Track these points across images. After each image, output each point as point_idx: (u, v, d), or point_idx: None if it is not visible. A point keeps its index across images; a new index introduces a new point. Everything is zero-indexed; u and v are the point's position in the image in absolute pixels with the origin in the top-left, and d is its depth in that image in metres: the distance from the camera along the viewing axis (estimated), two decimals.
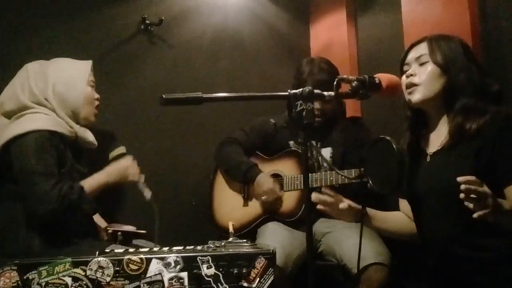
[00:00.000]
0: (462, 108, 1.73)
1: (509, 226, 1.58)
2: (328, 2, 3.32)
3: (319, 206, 1.90)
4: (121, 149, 2.38)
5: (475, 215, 1.43)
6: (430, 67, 1.79)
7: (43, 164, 2.06)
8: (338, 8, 3.22)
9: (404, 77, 1.85)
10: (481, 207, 1.43)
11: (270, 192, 2.60)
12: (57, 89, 2.22)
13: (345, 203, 1.88)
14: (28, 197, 2.05)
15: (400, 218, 2.00)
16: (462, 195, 1.42)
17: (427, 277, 1.85)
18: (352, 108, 3.05)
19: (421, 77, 1.80)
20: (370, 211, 1.94)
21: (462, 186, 1.41)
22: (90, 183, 2.20)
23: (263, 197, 2.62)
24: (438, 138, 1.83)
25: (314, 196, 1.90)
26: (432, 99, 1.80)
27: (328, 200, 1.88)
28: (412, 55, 1.86)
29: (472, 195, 1.42)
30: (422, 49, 1.83)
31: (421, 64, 1.82)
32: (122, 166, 2.31)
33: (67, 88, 2.24)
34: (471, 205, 1.43)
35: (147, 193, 2.34)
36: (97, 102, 2.37)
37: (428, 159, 1.84)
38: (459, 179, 1.42)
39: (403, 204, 1.99)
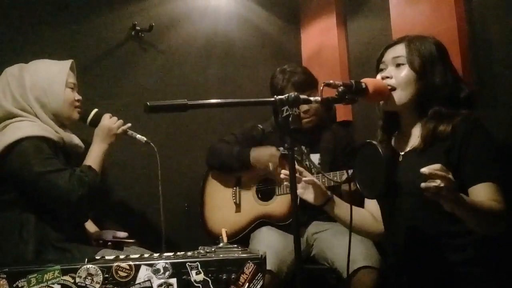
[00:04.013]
0: (434, 114, 1.73)
1: (470, 223, 1.56)
2: (318, 7, 3.34)
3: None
4: (94, 111, 2.37)
5: (423, 185, 1.37)
6: (406, 70, 1.79)
7: (49, 163, 2.09)
8: (328, 13, 3.24)
9: (379, 77, 1.84)
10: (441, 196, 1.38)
11: (271, 157, 2.59)
12: (35, 93, 2.20)
13: (309, 177, 1.86)
14: (53, 196, 2.07)
15: (363, 214, 1.97)
16: (423, 185, 1.36)
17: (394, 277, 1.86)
18: (343, 111, 3.07)
19: (397, 80, 1.79)
20: (337, 199, 1.92)
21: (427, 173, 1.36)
22: (92, 158, 2.25)
23: (269, 166, 2.59)
24: (410, 139, 1.84)
25: (284, 172, 1.89)
26: (407, 103, 1.80)
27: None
28: (389, 55, 1.84)
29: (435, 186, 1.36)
30: (400, 50, 1.82)
31: (398, 65, 1.81)
32: (105, 128, 2.32)
33: (44, 92, 2.21)
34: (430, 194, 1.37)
35: (140, 137, 2.39)
36: (77, 103, 2.33)
37: (400, 159, 1.84)
38: (423, 170, 1.37)
39: (371, 203, 1.97)
